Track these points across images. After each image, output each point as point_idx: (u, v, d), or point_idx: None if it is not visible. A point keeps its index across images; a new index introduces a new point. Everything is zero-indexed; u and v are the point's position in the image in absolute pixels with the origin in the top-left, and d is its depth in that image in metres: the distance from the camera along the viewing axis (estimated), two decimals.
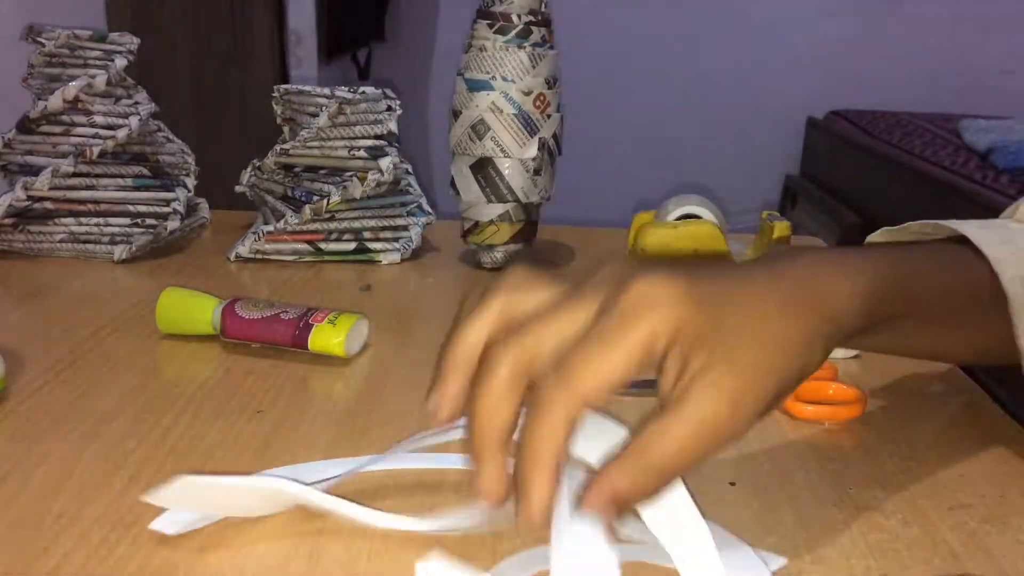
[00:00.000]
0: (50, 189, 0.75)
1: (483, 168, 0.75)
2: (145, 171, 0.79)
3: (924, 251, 0.46)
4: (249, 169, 0.83)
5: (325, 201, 0.76)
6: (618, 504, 0.32)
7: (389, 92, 0.79)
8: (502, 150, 0.74)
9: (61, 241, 0.76)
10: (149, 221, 0.78)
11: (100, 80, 0.75)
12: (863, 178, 2.29)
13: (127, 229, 0.77)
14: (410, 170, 0.80)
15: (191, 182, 0.82)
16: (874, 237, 0.54)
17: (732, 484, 0.44)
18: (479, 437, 0.34)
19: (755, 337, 0.34)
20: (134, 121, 0.76)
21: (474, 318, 0.37)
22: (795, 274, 0.37)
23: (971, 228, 0.47)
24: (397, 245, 0.79)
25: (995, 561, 0.39)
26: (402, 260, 0.79)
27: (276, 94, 0.82)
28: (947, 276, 0.44)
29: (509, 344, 0.34)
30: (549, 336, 0.34)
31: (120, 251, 0.75)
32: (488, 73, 0.73)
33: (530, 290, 0.37)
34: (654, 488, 0.33)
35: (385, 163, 0.77)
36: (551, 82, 0.75)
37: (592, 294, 0.35)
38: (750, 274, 0.37)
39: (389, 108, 0.79)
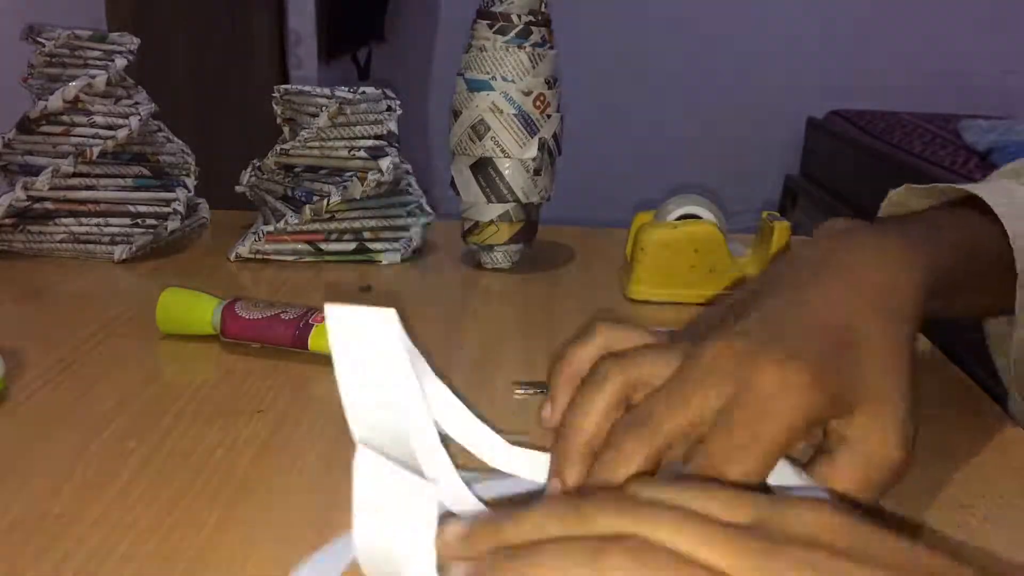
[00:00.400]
0: (50, 189, 0.75)
1: (483, 168, 0.75)
2: (145, 171, 0.79)
3: (958, 222, 0.48)
4: (249, 169, 0.83)
5: (325, 201, 0.76)
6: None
7: (389, 92, 0.79)
8: (502, 150, 0.74)
9: (61, 241, 0.76)
10: (149, 221, 0.78)
11: (100, 80, 0.75)
12: (863, 178, 2.29)
13: (127, 229, 0.77)
14: (410, 170, 0.80)
15: (191, 182, 0.82)
16: (898, 193, 0.58)
17: None
18: (567, 441, 0.37)
19: (888, 382, 0.36)
20: (134, 121, 0.76)
21: (584, 342, 0.40)
22: (872, 280, 0.38)
23: (985, 192, 0.49)
24: (397, 245, 0.79)
25: (996, 561, 0.39)
26: (402, 260, 0.79)
27: (276, 94, 0.82)
28: (978, 245, 0.47)
29: (622, 363, 0.37)
30: (660, 372, 0.36)
31: (120, 251, 0.75)
32: (488, 73, 0.73)
33: (628, 330, 0.40)
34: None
35: (385, 163, 0.77)
36: (551, 82, 0.75)
37: (711, 378, 0.35)
38: (829, 295, 0.37)
39: (389, 108, 0.79)
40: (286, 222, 0.76)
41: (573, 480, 0.36)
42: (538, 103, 0.74)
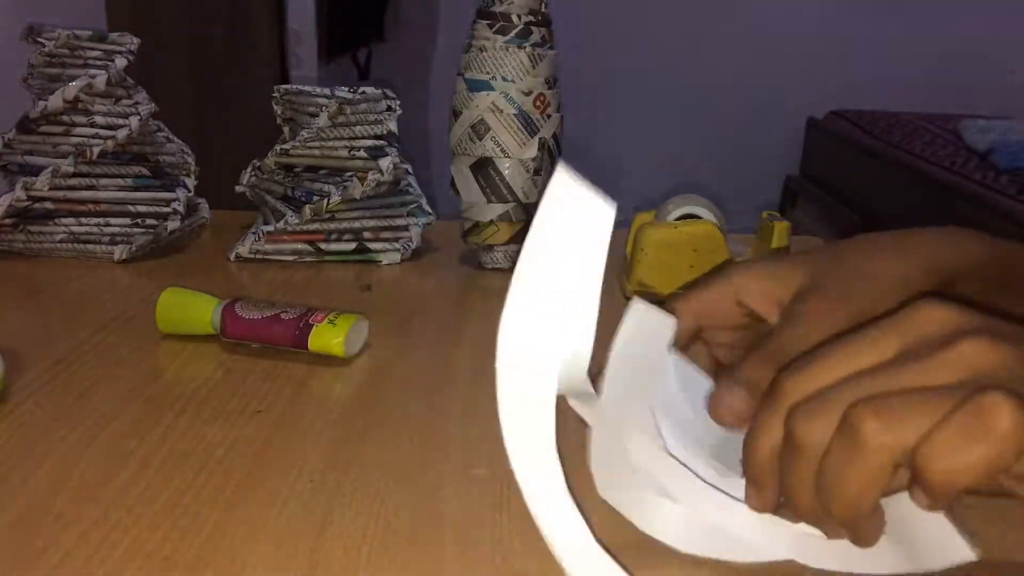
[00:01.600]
0: (50, 189, 0.75)
1: (483, 168, 0.75)
2: (145, 171, 0.79)
3: None
4: (249, 169, 0.83)
5: (325, 201, 0.76)
6: (747, 386, 0.35)
7: (389, 92, 0.79)
8: (502, 150, 0.74)
9: (61, 241, 0.76)
10: (149, 221, 0.78)
11: (100, 80, 0.75)
12: (863, 178, 2.29)
13: (127, 229, 0.77)
14: (410, 170, 0.80)
15: (191, 182, 0.82)
16: None
17: None
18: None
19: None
20: (134, 121, 0.76)
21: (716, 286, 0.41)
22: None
23: None
24: (397, 245, 0.79)
25: (996, 562, 0.39)
26: (402, 260, 0.79)
27: (276, 94, 0.82)
28: None
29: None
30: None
31: (120, 251, 0.75)
32: (488, 73, 0.73)
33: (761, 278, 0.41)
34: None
35: (385, 163, 0.77)
36: (551, 82, 0.75)
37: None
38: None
39: (389, 108, 0.79)
40: (286, 222, 0.76)
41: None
42: (538, 103, 0.74)
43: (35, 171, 0.75)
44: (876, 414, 0.29)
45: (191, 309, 0.59)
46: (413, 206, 0.81)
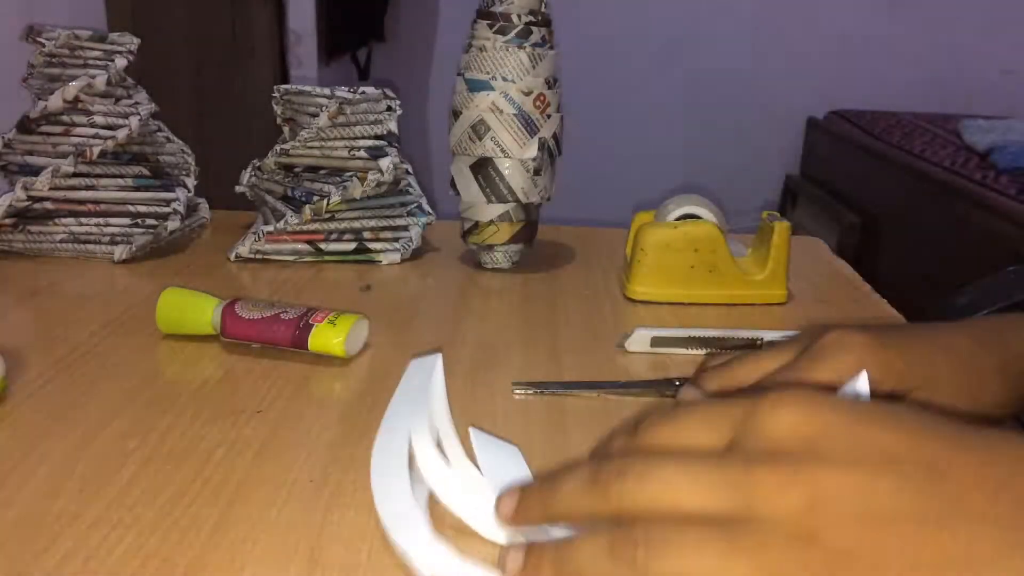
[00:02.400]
0: (50, 189, 0.75)
1: (483, 168, 0.75)
2: (145, 171, 0.79)
3: None
4: (249, 169, 0.83)
5: (325, 201, 0.76)
6: None
7: (389, 92, 0.79)
8: (502, 150, 0.74)
9: (61, 241, 0.76)
10: (149, 221, 0.78)
11: (100, 80, 0.75)
12: (863, 178, 2.29)
13: (127, 229, 0.77)
14: (410, 170, 0.80)
15: (191, 182, 0.82)
16: None
17: None
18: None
19: (946, 368, 0.38)
20: (134, 121, 0.76)
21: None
22: (982, 323, 0.42)
23: None
24: (397, 245, 0.79)
25: None
26: (402, 260, 0.79)
27: (276, 94, 0.82)
28: None
29: (715, 373, 0.40)
30: (752, 370, 0.39)
31: (120, 251, 0.75)
32: (488, 73, 0.73)
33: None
34: None
35: (385, 163, 0.77)
36: (551, 82, 0.75)
37: (792, 344, 0.39)
38: (938, 325, 0.41)
39: (389, 108, 0.79)
40: (286, 222, 0.76)
41: None
42: (538, 103, 0.74)
43: (35, 171, 0.75)
44: None
45: (191, 309, 0.59)
46: (413, 206, 0.81)
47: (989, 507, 0.26)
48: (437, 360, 0.45)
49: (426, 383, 0.44)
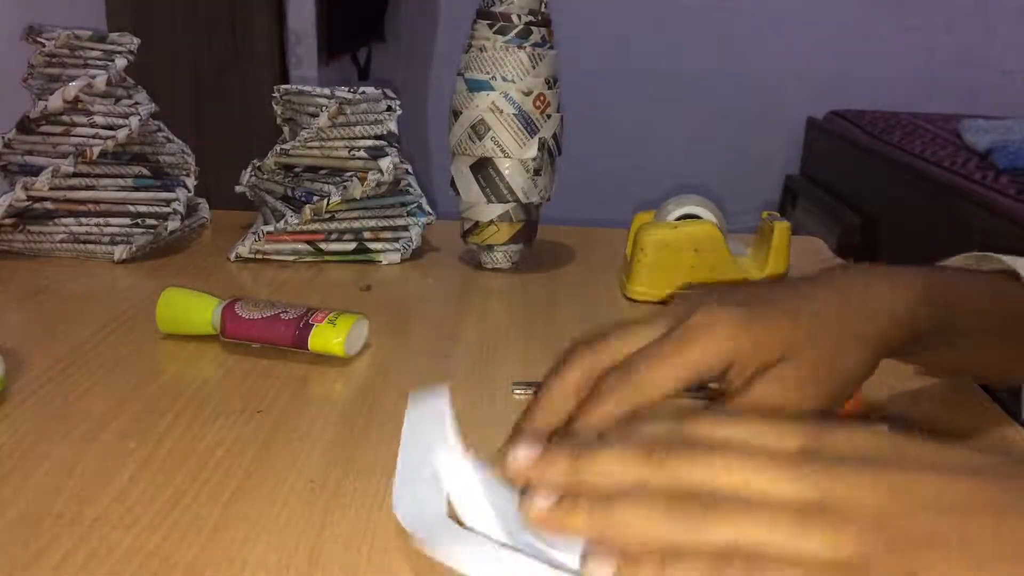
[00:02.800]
0: (50, 189, 0.75)
1: (483, 168, 0.75)
2: (145, 171, 0.79)
3: (968, 276, 0.50)
4: (249, 169, 0.83)
5: (325, 201, 0.76)
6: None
7: (389, 92, 0.79)
8: (502, 150, 0.74)
9: (61, 241, 0.76)
10: (149, 221, 0.78)
11: (100, 80, 0.75)
12: (863, 178, 2.29)
13: (127, 229, 0.77)
14: (410, 170, 0.80)
15: (191, 182, 0.82)
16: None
17: None
18: (530, 421, 0.39)
19: (809, 340, 0.39)
20: (134, 121, 0.76)
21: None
22: (844, 286, 0.41)
23: (1017, 261, 0.50)
24: (397, 245, 0.79)
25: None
26: (402, 260, 0.79)
27: (276, 94, 0.82)
28: (990, 300, 0.47)
29: (583, 349, 0.39)
30: (620, 346, 0.39)
31: (120, 251, 0.75)
32: (488, 73, 0.73)
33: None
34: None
35: (385, 163, 0.77)
36: (551, 82, 0.75)
37: (662, 319, 0.39)
38: (802, 289, 0.41)
39: (389, 108, 0.79)
40: (286, 222, 0.76)
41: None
42: (538, 103, 0.74)
43: (35, 171, 0.75)
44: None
45: (191, 309, 0.59)
46: (413, 206, 0.81)
47: None
48: (443, 400, 0.43)
49: (436, 425, 0.42)
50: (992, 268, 0.52)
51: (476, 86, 0.74)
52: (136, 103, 0.78)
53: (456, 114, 0.76)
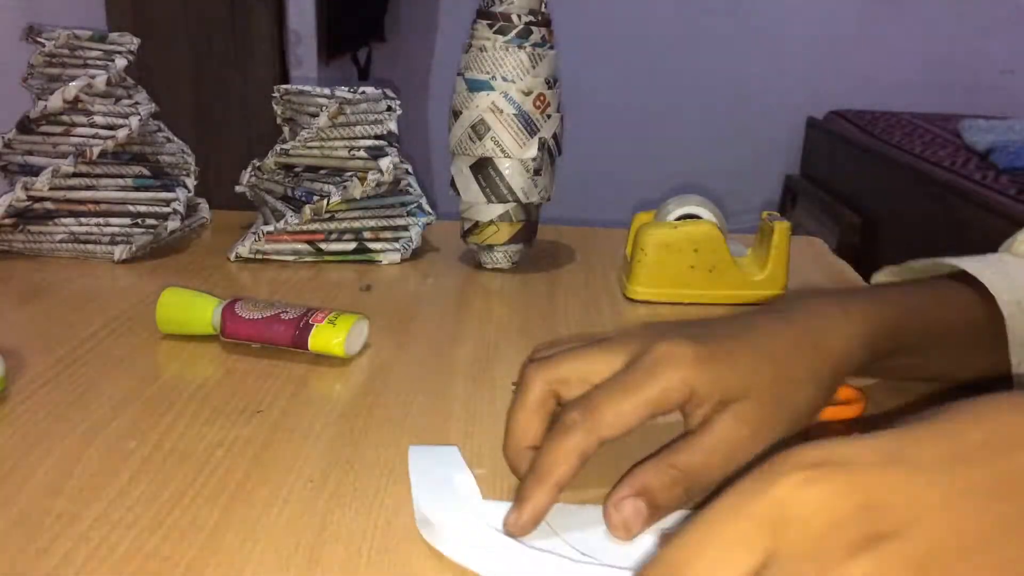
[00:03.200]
0: (50, 189, 0.75)
1: (483, 168, 0.75)
2: (145, 171, 0.79)
3: (922, 289, 0.51)
4: (249, 169, 0.83)
5: (325, 201, 0.76)
6: (646, 496, 0.36)
7: (389, 92, 0.79)
8: (502, 150, 0.74)
9: (61, 241, 0.76)
10: (149, 221, 0.78)
11: (100, 80, 0.75)
12: (863, 178, 2.29)
13: (127, 229, 0.77)
14: (410, 170, 0.80)
15: (191, 182, 0.82)
16: (878, 276, 0.60)
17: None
18: (508, 449, 0.42)
19: (767, 377, 0.39)
20: (134, 121, 0.76)
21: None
22: (799, 320, 0.42)
23: (969, 263, 0.51)
24: (397, 245, 0.79)
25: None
26: (402, 260, 0.79)
27: (276, 94, 0.82)
28: (945, 310, 0.49)
29: (542, 366, 0.40)
30: (578, 368, 0.40)
31: (120, 251, 0.75)
32: (488, 73, 0.73)
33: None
34: (679, 491, 0.37)
35: (385, 163, 0.77)
36: (551, 82, 0.75)
37: (620, 346, 0.40)
38: (758, 324, 0.41)
39: (389, 108, 0.79)
40: (286, 222, 0.76)
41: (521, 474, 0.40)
42: (538, 103, 0.74)
43: (35, 171, 0.75)
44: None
45: (191, 309, 0.59)
46: (413, 206, 0.81)
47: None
48: (455, 455, 0.44)
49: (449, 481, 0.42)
50: (949, 272, 0.53)
51: (476, 86, 0.74)
52: (136, 103, 0.78)
53: (456, 114, 0.76)
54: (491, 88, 0.73)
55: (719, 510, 0.25)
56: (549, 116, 0.75)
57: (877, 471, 0.24)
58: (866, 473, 0.24)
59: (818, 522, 0.23)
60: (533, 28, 0.73)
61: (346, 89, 0.77)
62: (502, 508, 0.38)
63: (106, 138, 0.76)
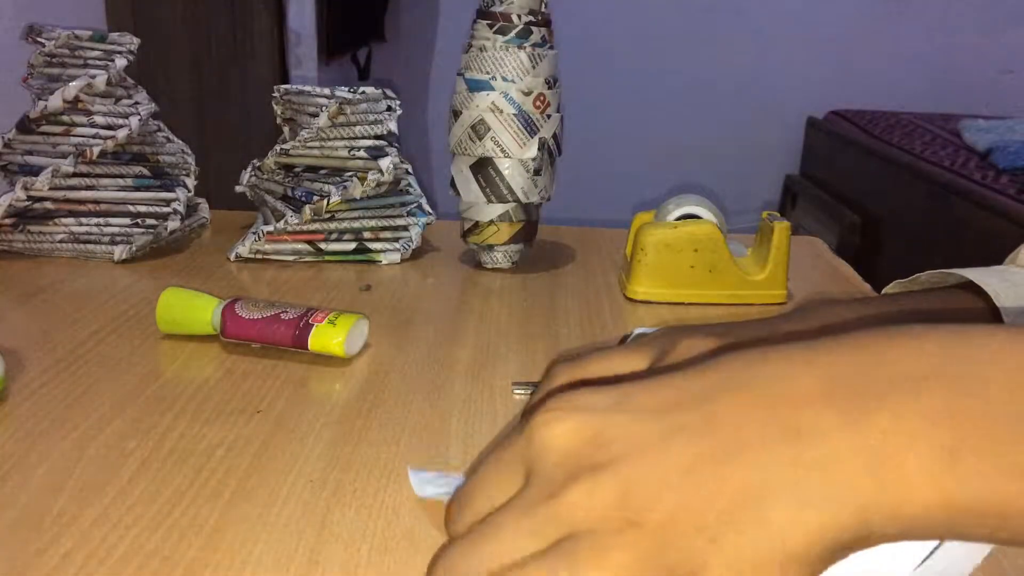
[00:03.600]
0: (50, 189, 0.75)
1: (483, 168, 0.75)
2: (145, 171, 0.79)
3: (931, 298, 0.51)
4: (249, 169, 0.83)
5: (325, 201, 0.76)
6: None
7: (389, 92, 0.79)
8: (502, 150, 0.74)
9: (61, 241, 0.76)
10: (149, 221, 0.78)
11: (100, 80, 0.75)
12: (863, 178, 2.29)
13: (127, 229, 0.77)
14: (410, 170, 0.80)
15: (191, 182, 0.82)
16: (888, 290, 0.59)
17: None
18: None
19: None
20: (134, 121, 0.76)
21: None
22: (818, 325, 0.42)
23: (974, 273, 0.51)
24: (397, 245, 0.79)
25: (995, 560, 0.39)
26: (402, 260, 0.79)
27: (276, 94, 0.82)
28: (954, 317, 0.49)
29: (569, 364, 0.39)
30: (603, 367, 0.38)
31: (120, 251, 0.75)
32: (488, 73, 0.73)
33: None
34: None
35: (385, 163, 0.77)
36: (551, 82, 0.75)
37: (646, 347, 0.38)
38: (781, 328, 0.42)
39: (389, 108, 0.79)
40: (286, 222, 0.76)
41: None
42: (538, 103, 0.74)
43: (35, 171, 0.75)
44: None
45: (191, 309, 0.59)
46: (413, 206, 0.81)
47: (761, 428, 0.27)
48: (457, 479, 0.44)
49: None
50: (956, 282, 0.53)
51: (476, 86, 0.74)
52: (136, 103, 0.78)
53: (456, 114, 0.76)
54: (491, 88, 0.73)
55: (496, 448, 0.31)
56: (549, 116, 0.75)
57: (605, 414, 0.29)
58: (596, 414, 0.29)
59: (555, 453, 0.29)
60: (533, 28, 0.73)
61: (346, 89, 0.77)
62: None
63: (106, 138, 0.76)
